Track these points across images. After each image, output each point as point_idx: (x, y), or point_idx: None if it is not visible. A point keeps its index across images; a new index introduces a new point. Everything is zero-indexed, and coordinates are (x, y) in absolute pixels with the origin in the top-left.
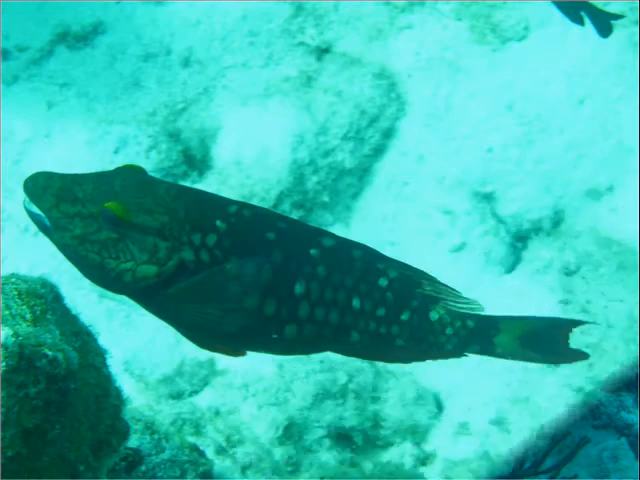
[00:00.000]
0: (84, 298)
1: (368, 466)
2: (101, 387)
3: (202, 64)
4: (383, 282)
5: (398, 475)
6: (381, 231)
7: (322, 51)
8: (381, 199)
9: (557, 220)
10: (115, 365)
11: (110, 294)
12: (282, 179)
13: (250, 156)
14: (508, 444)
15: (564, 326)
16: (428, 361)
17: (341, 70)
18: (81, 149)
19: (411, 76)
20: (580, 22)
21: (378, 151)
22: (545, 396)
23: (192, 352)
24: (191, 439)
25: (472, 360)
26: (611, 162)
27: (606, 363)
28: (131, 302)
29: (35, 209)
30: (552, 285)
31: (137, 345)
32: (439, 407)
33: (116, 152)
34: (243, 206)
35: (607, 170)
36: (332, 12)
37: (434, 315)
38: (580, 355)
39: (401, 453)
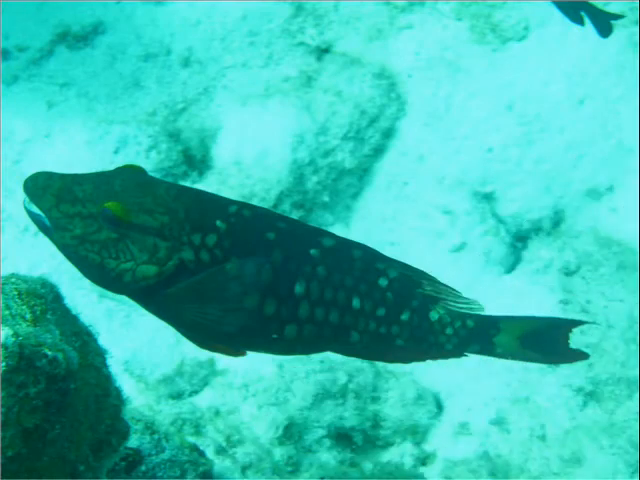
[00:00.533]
0: (84, 298)
1: (368, 466)
2: (101, 387)
3: (202, 64)
4: (383, 282)
5: (398, 475)
6: (381, 231)
7: (322, 51)
8: (381, 199)
9: (557, 220)
10: (115, 365)
11: (110, 294)
12: (282, 179)
13: (250, 156)
14: (508, 444)
15: (564, 326)
16: (428, 361)
17: (341, 70)
18: (81, 149)
19: (411, 76)
20: (580, 22)
21: (378, 151)
22: (545, 396)
23: (192, 352)
24: (191, 439)
25: (472, 360)
26: (611, 162)
27: (606, 363)
28: (131, 302)
29: (35, 209)
30: (552, 285)
31: (137, 345)
32: (439, 407)
33: (116, 152)
34: (243, 206)
35: (607, 170)
36: (332, 12)
37: (434, 315)
38: (580, 355)
39: (401, 453)
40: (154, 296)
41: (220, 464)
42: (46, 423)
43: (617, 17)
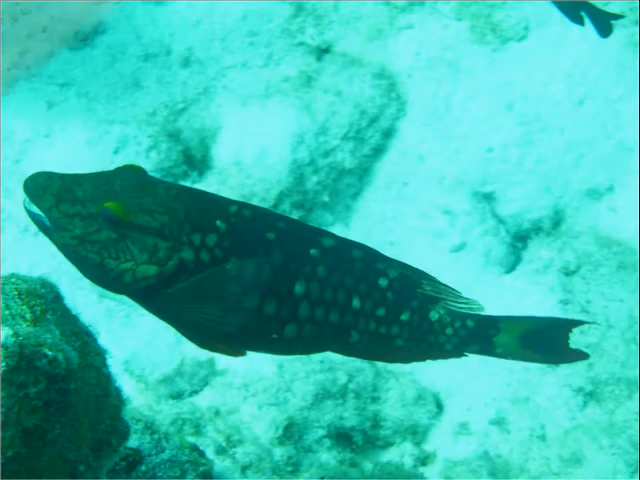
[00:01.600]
0: (84, 298)
1: (368, 466)
2: (101, 387)
3: (202, 64)
4: (383, 282)
5: (398, 475)
6: (381, 231)
7: (322, 51)
8: (381, 199)
9: (557, 220)
10: (115, 365)
11: (110, 294)
12: (282, 179)
13: (250, 156)
14: (508, 444)
15: (564, 326)
16: (428, 361)
17: (341, 70)
18: (81, 149)
19: (411, 76)
20: (580, 22)
21: (378, 151)
22: (545, 396)
23: (192, 352)
24: (191, 439)
25: (472, 360)
26: (611, 162)
27: (606, 363)
28: (131, 302)
29: (35, 209)
30: (552, 285)
31: (137, 345)
32: (439, 407)
33: (116, 152)
34: (243, 206)
35: (607, 170)
36: (332, 12)
37: (434, 315)
38: (580, 355)
39: (401, 453)
40: (154, 296)
41: (220, 464)
42: (46, 423)
43: (617, 17)
